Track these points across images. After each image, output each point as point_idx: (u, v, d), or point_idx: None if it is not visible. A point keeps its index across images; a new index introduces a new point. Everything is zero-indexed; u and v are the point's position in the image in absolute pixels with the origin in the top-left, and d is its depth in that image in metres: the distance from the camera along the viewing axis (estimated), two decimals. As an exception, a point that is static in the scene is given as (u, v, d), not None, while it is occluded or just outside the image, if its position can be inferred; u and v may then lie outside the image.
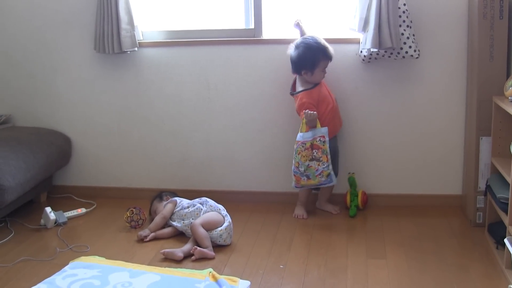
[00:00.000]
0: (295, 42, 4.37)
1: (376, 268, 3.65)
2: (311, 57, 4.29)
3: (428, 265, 3.67)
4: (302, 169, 4.34)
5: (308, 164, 4.32)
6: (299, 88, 4.39)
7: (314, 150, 4.30)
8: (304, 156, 4.32)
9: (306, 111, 4.26)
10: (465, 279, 3.47)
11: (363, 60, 4.43)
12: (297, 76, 4.43)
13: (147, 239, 4.16)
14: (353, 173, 4.66)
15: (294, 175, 4.39)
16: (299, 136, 4.34)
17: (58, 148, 4.91)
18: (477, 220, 4.23)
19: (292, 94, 4.45)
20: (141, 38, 4.83)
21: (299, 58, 4.31)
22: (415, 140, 4.61)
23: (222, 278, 3.36)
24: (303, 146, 4.32)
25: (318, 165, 4.31)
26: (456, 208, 4.60)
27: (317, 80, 4.35)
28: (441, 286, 3.41)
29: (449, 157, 4.60)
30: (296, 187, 4.46)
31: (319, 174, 4.33)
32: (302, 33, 4.46)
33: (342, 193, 4.69)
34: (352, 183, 4.63)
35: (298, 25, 4.48)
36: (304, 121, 4.32)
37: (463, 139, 4.54)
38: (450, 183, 4.64)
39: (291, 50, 4.36)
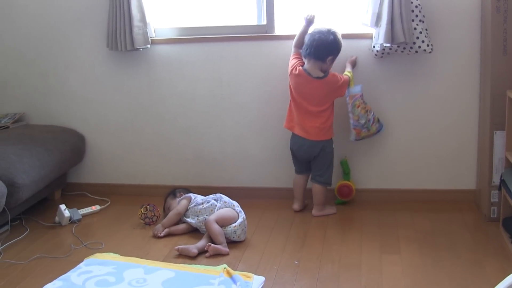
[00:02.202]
0: (319, 29, 4.33)
1: (390, 263, 3.65)
2: (340, 46, 4.34)
3: (442, 260, 3.66)
4: (362, 122, 4.42)
5: (367, 116, 4.40)
6: (318, 72, 4.35)
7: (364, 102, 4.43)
8: (363, 109, 4.40)
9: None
10: (479, 274, 3.46)
11: (376, 55, 4.42)
12: (310, 63, 4.35)
13: (161, 234, 4.17)
14: (345, 157, 4.67)
15: (354, 128, 4.44)
16: (356, 89, 4.41)
17: (72, 146, 4.93)
18: (492, 214, 4.22)
19: (321, 78, 4.35)
20: (154, 35, 4.83)
21: (335, 43, 4.30)
22: (428, 135, 4.60)
23: (236, 274, 3.38)
24: (361, 99, 4.40)
25: (370, 114, 4.43)
26: (470, 202, 4.59)
27: (329, 69, 4.38)
28: (456, 281, 3.39)
29: (463, 151, 4.58)
30: (356, 139, 4.51)
31: (373, 122, 4.44)
32: (304, 30, 4.46)
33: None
34: (345, 168, 4.64)
35: (310, 21, 4.46)
36: (352, 75, 4.42)
37: (476, 133, 4.52)
38: (464, 177, 4.62)
39: (319, 34, 4.29)
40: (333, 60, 4.34)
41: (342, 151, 4.65)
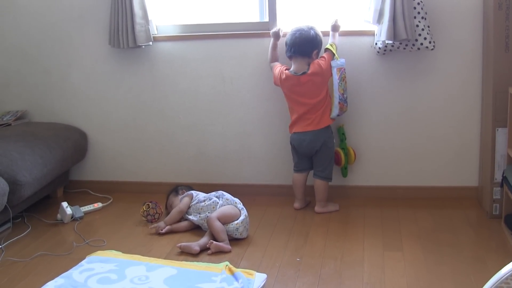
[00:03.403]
0: (297, 27, 4.38)
1: (392, 260, 3.65)
2: (321, 39, 4.40)
3: (444, 257, 3.66)
4: (345, 96, 4.44)
5: (347, 90, 4.45)
6: (303, 68, 4.36)
7: None
8: (346, 82, 4.42)
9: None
10: (482, 270, 3.46)
11: (378, 52, 4.42)
12: (297, 62, 4.37)
13: (163, 231, 4.17)
14: (342, 125, 4.66)
15: (340, 103, 4.41)
16: (341, 62, 4.39)
17: (74, 143, 4.93)
18: (494, 211, 4.22)
19: (306, 72, 4.34)
20: (156, 33, 4.83)
21: (317, 36, 4.36)
22: (431, 132, 4.60)
23: (238, 271, 3.38)
24: (345, 72, 4.41)
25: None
26: (473, 199, 4.59)
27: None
28: (458, 277, 3.39)
29: (465, 148, 4.58)
30: (338, 115, 4.47)
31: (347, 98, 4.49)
32: (274, 45, 4.58)
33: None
34: (340, 134, 4.64)
35: (277, 35, 4.55)
36: (335, 47, 4.40)
37: (479, 130, 4.52)
38: (466, 174, 4.62)
39: (299, 32, 4.33)
40: (318, 54, 4.37)
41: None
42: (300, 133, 4.44)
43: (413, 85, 4.53)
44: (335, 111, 4.41)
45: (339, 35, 4.46)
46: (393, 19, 4.14)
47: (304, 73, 4.33)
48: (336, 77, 4.34)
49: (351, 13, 4.59)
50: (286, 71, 4.39)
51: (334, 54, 4.36)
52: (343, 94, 4.39)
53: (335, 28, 4.43)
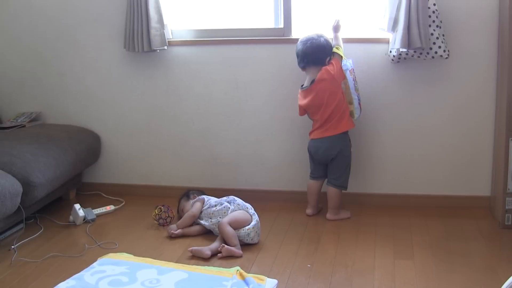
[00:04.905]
0: (307, 37, 4.36)
1: (403, 268, 3.64)
2: (332, 45, 4.39)
3: (456, 266, 3.65)
4: (360, 95, 4.43)
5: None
6: (316, 75, 4.36)
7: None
8: (357, 83, 4.40)
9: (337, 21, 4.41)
10: (493, 281, 3.44)
11: (393, 60, 4.42)
12: (311, 72, 4.37)
13: (174, 234, 4.18)
14: None
15: (360, 103, 4.41)
16: (350, 64, 4.37)
17: (88, 146, 4.96)
18: (506, 222, 4.20)
19: (314, 80, 4.35)
20: (171, 37, 4.85)
21: (328, 43, 4.35)
22: (444, 141, 4.59)
23: (249, 276, 3.38)
24: (354, 71, 4.41)
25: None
26: (485, 209, 4.57)
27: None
28: (469, 287, 3.38)
29: (478, 158, 4.57)
30: (359, 116, 4.47)
31: None
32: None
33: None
34: None
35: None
36: (341, 49, 4.34)
37: (492, 140, 4.50)
38: (479, 184, 4.61)
39: (310, 41, 4.32)
40: (329, 60, 4.35)
41: (353, 154, 4.64)
42: (317, 139, 4.43)
43: (427, 94, 4.52)
44: (357, 112, 4.42)
45: (354, 42, 4.45)
46: (407, 27, 4.14)
47: (313, 81, 4.34)
48: (350, 78, 4.33)
49: (365, 20, 4.60)
50: (299, 94, 4.46)
51: (342, 57, 4.34)
52: (359, 94, 4.39)
53: (336, 29, 4.41)
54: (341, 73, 4.31)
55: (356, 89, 4.37)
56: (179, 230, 4.21)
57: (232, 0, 4.90)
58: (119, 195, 5.08)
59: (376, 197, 4.75)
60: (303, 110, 4.48)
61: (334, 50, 4.36)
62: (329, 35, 4.41)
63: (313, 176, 4.58)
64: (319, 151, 4.43)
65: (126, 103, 5.06)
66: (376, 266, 3.70)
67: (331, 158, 4.41)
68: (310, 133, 4.50)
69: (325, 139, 4.38)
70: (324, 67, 4.31)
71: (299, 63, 4.39)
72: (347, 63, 4.33)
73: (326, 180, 4.56)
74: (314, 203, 4.60)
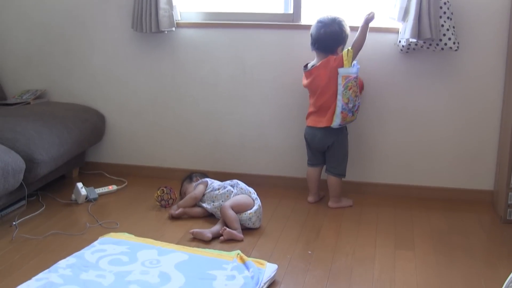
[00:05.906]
0: (324, 21, 4.28)
1: (404, 259, 3.64)
2: (347, 34, 4.32)
3: (456, 259, 3.65)
4: (350, 106, 4.25)
5: (355, 100, 4.26)
6: (321, 60, 4.32)
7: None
8: (354, 92, 4.23)
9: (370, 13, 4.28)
10: (493, 275, 3.44)
11: (402, 50, 4.40)
12: (320, 57, 4.33)
13: (176, 213, 4.20)
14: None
15: (342, 112, 4.24)
16: (352, 70, 4.22)
17: (92, 125, 4.95)
18: (508, 216, 4.19)
19: (313, 66, 4.34)
20: (179, 19, 4.83)
21: (342, 32, 4.27)
22: (449, 133, 4.58)
23: (249, 260, 3.38)
24: (355, 81, 4.24)
25: (358, 100, 4.31)
26: (487, 203, 4.57)
27: None
28: (469, 281, 3.38)
29: (483, 152, 4.56)
30: (340, 125, 4.31)
31: (357, 109, 4.32)
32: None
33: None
34: None
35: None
36: (348, 56, 4.21)
37: (498, 134, 4.49)
38: (482, 178, 4.60)
39: (324, 28, 4.25)
40: (343, 49, 4.29)
41: (358, 143, 4.64)
42: (313, 127, 4.42)
43: (434, 85, 4.51)
44: (336, 120, 4.28)
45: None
46: (418, 17, 4.12)
47: (314, 66, 4.33)
48: (340, 82, 4.24)
49: (376, 9, 4.57)
50: (304, 75, 4.43)
51: (344, 62, 4.24)
52: (347, 103, 4.23)
53: (368, 20, 4.25)
54: (335, 72, 4.23)
55: (345, 98, 4.22)
56: (180, 209, 4.21)
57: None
58: (122, 176, 5.09)
59: (379, 187, 4.75)
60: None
61: (345, 51, 4.22)
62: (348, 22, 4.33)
63: (311, 163, 4.58)
64: (315, 138, 4.41)
65: (132, 83, 5.05)
66: (376, 255, 3.70)
67: (327, 146, 4.40)
68: (306, 117, 4.47)
69: (320, 129, 4.37)
70: (330, 56, 4.27)
71: (311, 44, 4.35)
72: (348, 69, 4.22)
73: (324, 167, 4.56)
74: (314, 190, 4.59)
